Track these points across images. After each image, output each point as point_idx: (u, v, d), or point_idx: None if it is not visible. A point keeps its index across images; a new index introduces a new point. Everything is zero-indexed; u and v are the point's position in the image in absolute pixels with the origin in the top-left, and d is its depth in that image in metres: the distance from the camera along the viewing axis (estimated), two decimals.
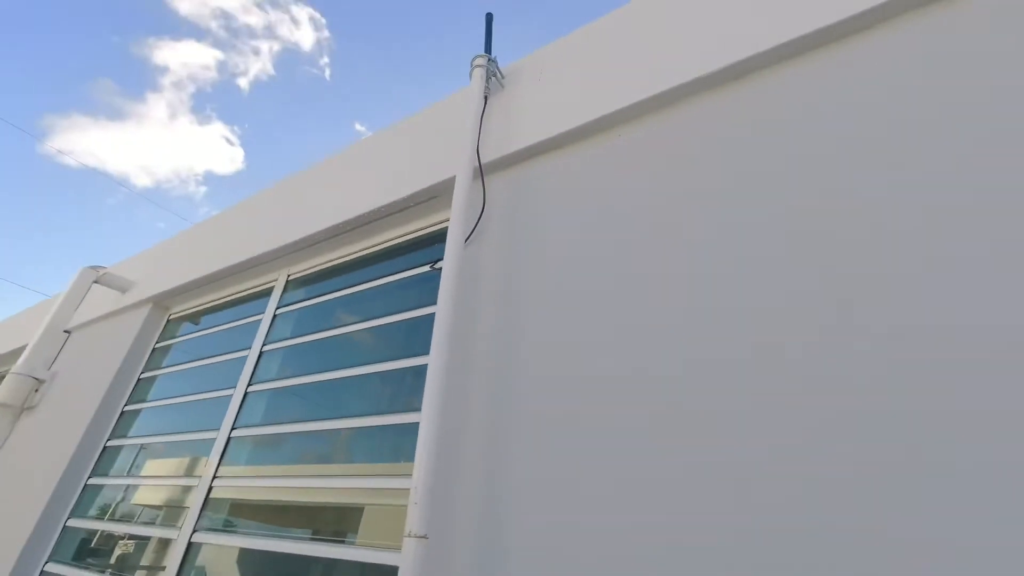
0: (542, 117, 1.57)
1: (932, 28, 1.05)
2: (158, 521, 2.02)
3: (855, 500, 0.76)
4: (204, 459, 1.90)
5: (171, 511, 1.97)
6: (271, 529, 1.68)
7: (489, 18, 1.97)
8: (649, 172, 1.29)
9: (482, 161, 1.62)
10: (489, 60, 1.80)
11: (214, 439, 1.90)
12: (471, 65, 1.81)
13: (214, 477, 1.81)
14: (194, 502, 1.78)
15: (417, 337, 1.60)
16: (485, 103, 1.76)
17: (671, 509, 0.89)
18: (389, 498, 1.41)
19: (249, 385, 1.99)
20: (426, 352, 1.25)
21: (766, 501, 0.82)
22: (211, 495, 1.78)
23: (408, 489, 1.06)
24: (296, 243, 2.13)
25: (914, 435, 0.76)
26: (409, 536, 0.98)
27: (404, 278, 1.81)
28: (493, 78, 1.80)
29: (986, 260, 0.81)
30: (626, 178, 1.32)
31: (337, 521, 1.59)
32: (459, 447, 1.20)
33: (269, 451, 1.84)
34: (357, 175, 2.11)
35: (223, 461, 1.84)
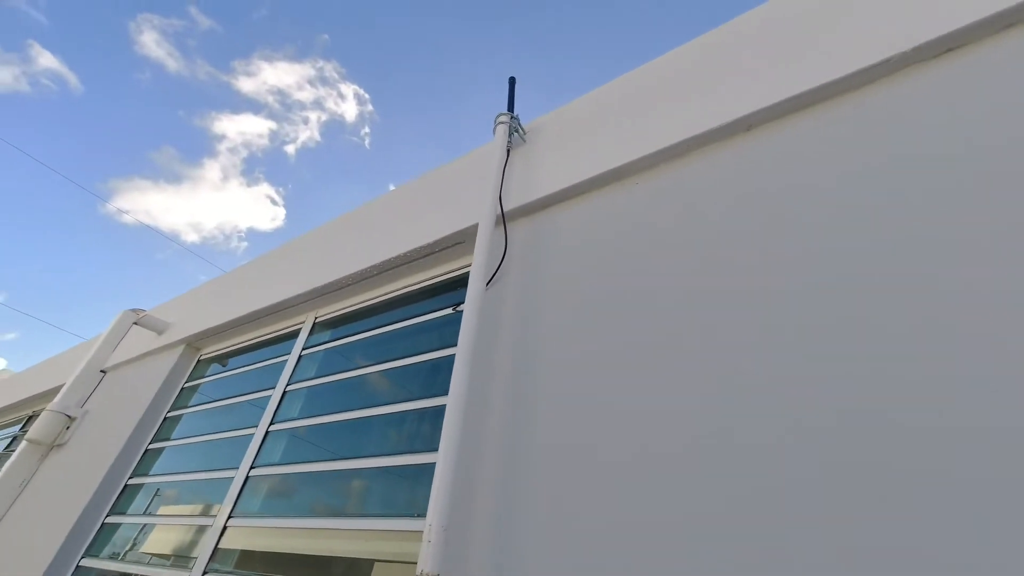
0: (562, 167, 1.65)
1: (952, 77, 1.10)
2: (170, 563, 2.00)
3: None
4: (219, 501, 1.90)
5: (184, 551, 1.95)
6: None
7: (512, 81, 2.12)
8: (665, 218, 1.33)
9: (504, 209, 1.70)
10: (512, 117, 1.92)
11: (232, 478, 1.91)
12: (495, 122, 1.94)
13: (229, 516, 1.80)
14: (207, 544, 1.77)
15: (441, 378, 1.62)
16: (508, 156, 1.87)
17: (691, 560, 0.85)
18: (406, 544, 1.38)
19: (271, 424, 2.01)
20: (447, 393, 1.27)
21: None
22: (224, 535, 1.77)
23: (421, 533, 1.04)
24: (325, 286, 2.22)
25: None
26: None
27: (428, 320, 1.85)
28: (516, 133, 1.92)
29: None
30: (642, 224, 1.37)
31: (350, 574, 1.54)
32: (475, 487, 1.18)
33: (284, 500, 1.83)
34: (385, 223, 2.22)
35: (239, 501, 1.84)
